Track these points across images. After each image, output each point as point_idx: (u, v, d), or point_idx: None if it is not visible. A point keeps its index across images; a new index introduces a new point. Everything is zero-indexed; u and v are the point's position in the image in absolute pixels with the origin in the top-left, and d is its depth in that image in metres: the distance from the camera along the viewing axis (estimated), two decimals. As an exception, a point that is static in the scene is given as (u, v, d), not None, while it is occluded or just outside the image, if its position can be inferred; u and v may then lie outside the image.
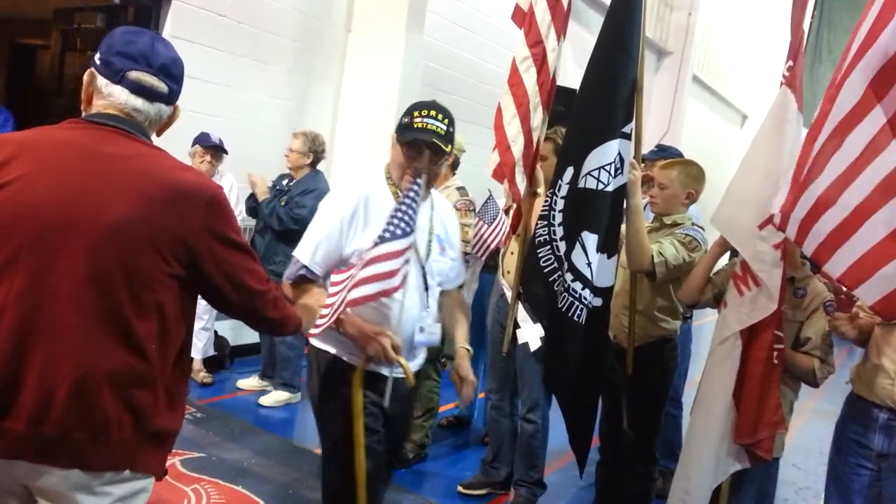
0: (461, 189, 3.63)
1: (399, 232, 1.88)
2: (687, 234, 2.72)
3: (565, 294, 2.57)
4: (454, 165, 3.73)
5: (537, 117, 3.09)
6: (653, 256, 2.60)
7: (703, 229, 2.79)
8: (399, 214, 1.91)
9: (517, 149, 3.13)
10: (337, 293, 1.95)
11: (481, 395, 4.46)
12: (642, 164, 3.77)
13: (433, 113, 2.07)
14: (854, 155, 1.96)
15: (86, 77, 1.42)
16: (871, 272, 1.99)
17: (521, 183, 3.15)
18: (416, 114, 2.07)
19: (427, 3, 5.55)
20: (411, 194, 1.95)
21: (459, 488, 3.48)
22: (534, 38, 3.08)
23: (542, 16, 3.05)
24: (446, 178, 3.72)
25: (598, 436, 3.08)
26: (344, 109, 5.61)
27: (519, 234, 3.14)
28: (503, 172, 3.21)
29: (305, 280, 2.08)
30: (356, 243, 2.04)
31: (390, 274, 1.87)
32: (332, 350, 2.14)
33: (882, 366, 2.25)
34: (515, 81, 3.16)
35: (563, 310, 2.57)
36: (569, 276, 2.57)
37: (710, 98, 12.39)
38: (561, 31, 3.05)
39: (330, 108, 5.58)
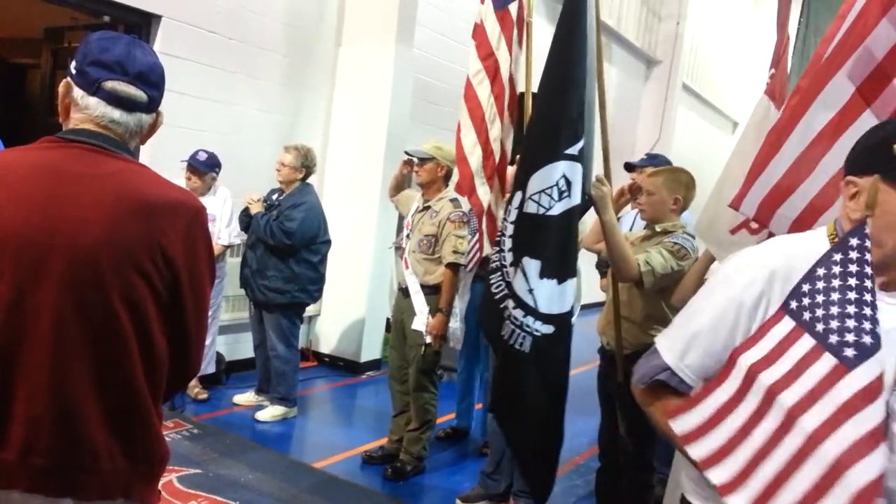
0: (454, 201, 3.63)
1: (853, 354, 1.08)
2: (675, 243, 2.72)
3: (506, 321, 2.53)
4: (447, 177, 3.73)
5: (496, 128, 3.23)
6: (639, 266, 2.62)
7: (693, 237, 2.81)
8: (861, 311, 1.10)
9: (474, 160, 3.27)
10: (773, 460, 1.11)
11: (478, 406, 4.46)
12: (632, 173, 3.81)
13: None
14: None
15: (61, 88, 1.36)
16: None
17: (485, 195, 3.28)
18: None
19: (416, 16, 5.59)
20: (868, 270, 1.11)
21: (458, 501, 3.46)
22: (485, 50, 3.23)
23: (492, 28, 3.20)
24: (439, 189, 3.73)
25: (597, 443, 3.10)
26: (335, 123, 5.63)
27: None
28: (463, 185, 3.35)
29: (663, 386, 1.36)
30: None
31: (879, 432, 1.04)
32: None
33: None
34: (470, 95, 3.32)
35: (505, 337, 2.52)
36: (510, 303, 2.51)
37: (700, 106, 12.48)
38: (518, 41, 3.21)
39: (321, 121, 5.60)
